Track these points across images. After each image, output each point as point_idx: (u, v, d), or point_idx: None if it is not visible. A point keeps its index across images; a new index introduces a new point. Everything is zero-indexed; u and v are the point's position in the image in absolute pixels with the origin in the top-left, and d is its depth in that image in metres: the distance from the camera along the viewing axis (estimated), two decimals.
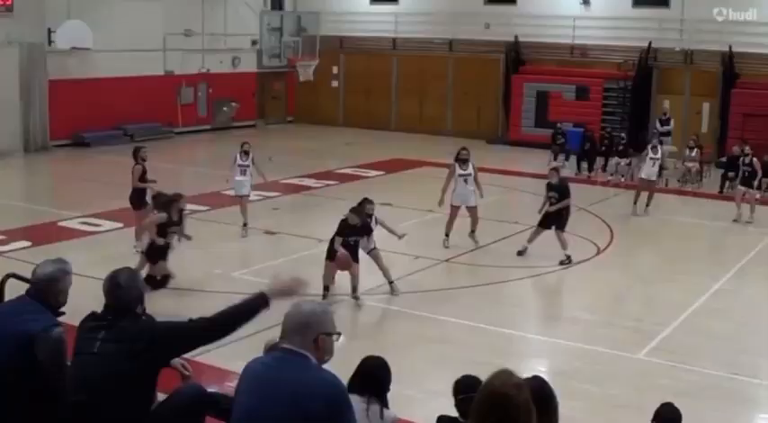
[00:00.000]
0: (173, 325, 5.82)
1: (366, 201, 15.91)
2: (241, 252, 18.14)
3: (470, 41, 37.05)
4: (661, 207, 22.74)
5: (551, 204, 18.43)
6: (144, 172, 18.04)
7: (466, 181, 19.06)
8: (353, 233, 15.34)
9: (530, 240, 18.56)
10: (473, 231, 19.22)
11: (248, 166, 19.96)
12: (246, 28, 37.63)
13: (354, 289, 15.31)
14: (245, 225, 19.63)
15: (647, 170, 22.97)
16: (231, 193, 20.35)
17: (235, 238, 19.13)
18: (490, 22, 36.30)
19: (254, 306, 5.79)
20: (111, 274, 5.91)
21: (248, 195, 20.03)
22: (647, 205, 22.85)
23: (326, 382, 5.02)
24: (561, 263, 17.99)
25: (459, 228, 19.24)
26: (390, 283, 15.86)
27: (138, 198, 18.07)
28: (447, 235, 19.12)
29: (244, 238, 19.35)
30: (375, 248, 15.95)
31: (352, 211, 15.56)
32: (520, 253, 18.45)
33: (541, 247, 19.76)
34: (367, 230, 15.60)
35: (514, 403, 4.23)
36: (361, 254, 15.52)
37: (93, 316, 5.87)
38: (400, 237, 16.55)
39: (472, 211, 19.27)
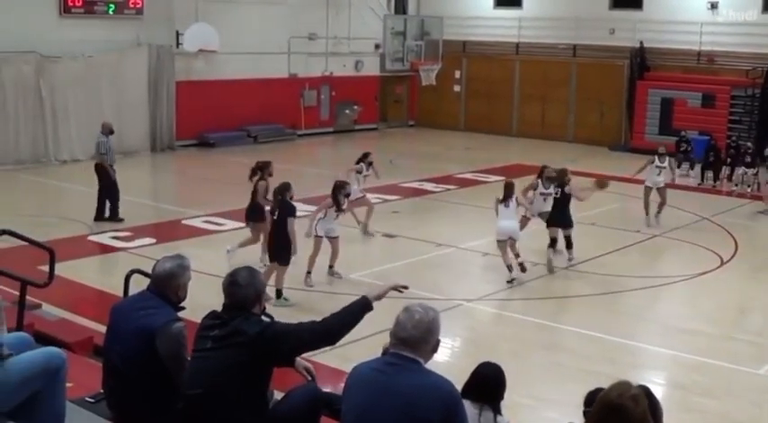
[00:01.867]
0: (285, 327, 5.88)
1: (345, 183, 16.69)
2: (360, 254, 18.26)
3: (594, 47, 36.66)
4: None
5: None
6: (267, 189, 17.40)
7: (545, 200, 18.45)
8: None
9: None
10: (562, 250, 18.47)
11: (369, 175, 20.59)
12: (370, 32, 37.85)
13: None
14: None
15: (653, 178, 21.98)
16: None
17: (354, 240, 19.27)
18: (615, 27, 35.89)
19: (359, 310, 5.84)
20: (231, 273, 6.01)
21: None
22: (659, 212, 21.94)
23: (441, 388, 5.04)
24: None
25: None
26: (330, 267, 16.48)
27: (257, 213, 17.31)
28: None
29: (363, 241, 19.51)
30: (338, 236, 16.52)
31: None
32: None
33: (660, 258, 19.52)
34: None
35: (630, 415, 4.20)
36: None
37: (211, 314, 5.99)
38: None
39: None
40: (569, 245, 18.04)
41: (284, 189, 15.12)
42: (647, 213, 21.93)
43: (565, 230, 17.91)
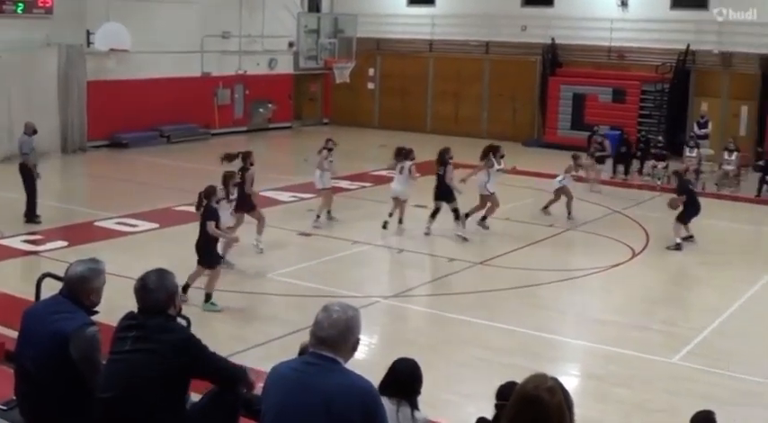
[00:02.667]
0: (206, 351, 5.98)
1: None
2: (276, 253, 18.17)
3: (507, 44, 36.98)
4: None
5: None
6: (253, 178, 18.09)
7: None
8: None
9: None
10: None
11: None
12: (283, 30, 37.72)
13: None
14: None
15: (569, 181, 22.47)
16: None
17: (270, 239, 19.18)
18: (527, 24, 36.23)
19: (242, 374, 6.27)
20: (141, 277, 5.96)
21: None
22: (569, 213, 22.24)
23: (359, 387, 5.03)
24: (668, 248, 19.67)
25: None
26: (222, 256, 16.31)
27: (248, 203, 17.86)
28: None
29: (280, 240, 19.39)
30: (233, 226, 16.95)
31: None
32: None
33: (573, 251, 19.78)
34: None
35: (546, 407, 4.23)
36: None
37: (129, 315, 5.95)
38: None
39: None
40: (457, 217, 19.88)
41: (210, 193, 14.98)
42: (545, 207, 22.40)
43: (449, 204, 19.74)
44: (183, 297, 14.55)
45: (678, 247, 19.59)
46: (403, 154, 20.12)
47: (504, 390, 6.91)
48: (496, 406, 6.83)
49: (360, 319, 5.20)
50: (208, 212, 14.72)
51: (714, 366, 12.71)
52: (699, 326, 14.49)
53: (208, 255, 14.64)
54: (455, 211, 19.83)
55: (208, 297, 14.56)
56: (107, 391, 5.74)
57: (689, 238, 20.01)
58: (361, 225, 20.94)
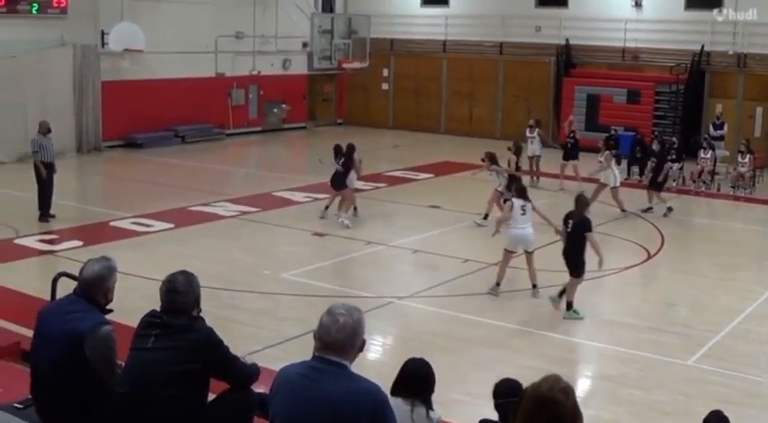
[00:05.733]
0: (227, 351, 6.10)
1: None
2: (290, 253, 18.18)
3: (521, 44, 36.95)
4: (713, 212, 22.52)
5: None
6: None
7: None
8: None
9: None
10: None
11: None
12: (297, 30, 37.78)
13: None
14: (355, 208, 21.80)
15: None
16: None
17: (284, 240, 19.19)
18: (541, 24, 36.20)
19: (254, 372, 6.39)
20: (168, 279, 5.98)
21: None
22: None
23: (367, 392, 4.99)
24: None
25: None
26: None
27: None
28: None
29: (295, 240, 19.40)
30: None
31: None
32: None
33: (588, 252, 19.72)
34: None
35: (562, 408, 4.21)
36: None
37: (153, 313, 6.00)
38: None
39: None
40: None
41: (585, 204, 15.30)
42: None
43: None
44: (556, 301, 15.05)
45: (670, 209, 22.62)
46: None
47: (499, 387, 6.91)
48: (497, 405, 6.83)
49: (364, 320, 5.16)
50: (585, 225, 14.85)
51: (729, 369, 12.65)
52: (714, 328, 14.43)
53: (576, 264, 14.81)
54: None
55: (569, 305, 14.77)
56: (125, 385, 5.77)
57: (649, 209, 23.01)
58: (375, 225, 20.94)
